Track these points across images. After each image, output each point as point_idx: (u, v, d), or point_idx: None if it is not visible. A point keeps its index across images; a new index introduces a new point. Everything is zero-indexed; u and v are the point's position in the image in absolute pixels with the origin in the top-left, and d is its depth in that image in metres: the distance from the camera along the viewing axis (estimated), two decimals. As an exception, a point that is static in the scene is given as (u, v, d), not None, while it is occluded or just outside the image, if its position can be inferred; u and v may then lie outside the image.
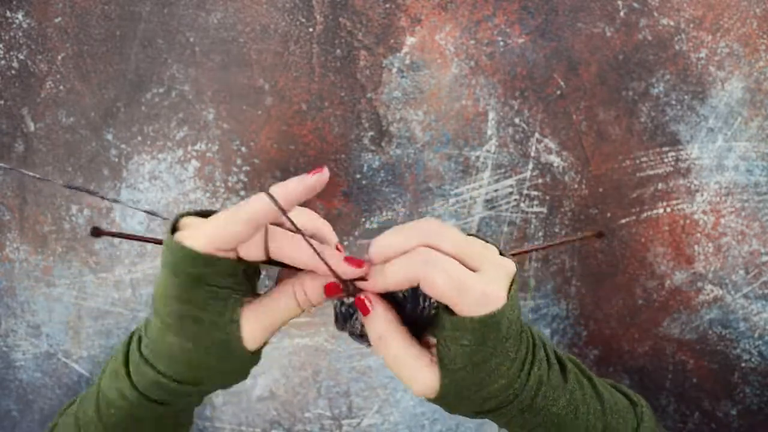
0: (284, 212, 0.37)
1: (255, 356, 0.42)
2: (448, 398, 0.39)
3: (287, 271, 0.41)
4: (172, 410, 0.44)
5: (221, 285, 0.38)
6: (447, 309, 0.37)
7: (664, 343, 0.60)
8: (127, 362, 0.42)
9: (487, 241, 0.40)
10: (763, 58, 0.57)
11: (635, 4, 0.56)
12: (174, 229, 0.39)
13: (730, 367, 0.60)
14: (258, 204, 0.37)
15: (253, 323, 0.40)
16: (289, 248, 0.38)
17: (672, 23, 0.56)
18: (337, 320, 0.42)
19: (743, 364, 0.60)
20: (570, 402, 0.42)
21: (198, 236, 0.37)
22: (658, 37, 0.56)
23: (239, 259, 0.39)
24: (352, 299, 0.40)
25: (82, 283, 0.58)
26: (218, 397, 0.60)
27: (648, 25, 0.56)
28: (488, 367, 0.38)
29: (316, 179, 0.37)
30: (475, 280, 0.36)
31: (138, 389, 0.42)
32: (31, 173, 0.57)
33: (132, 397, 0.42)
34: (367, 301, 0.39)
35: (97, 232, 0.48)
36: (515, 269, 0.39)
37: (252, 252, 0.38)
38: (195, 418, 0.59)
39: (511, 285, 0.38)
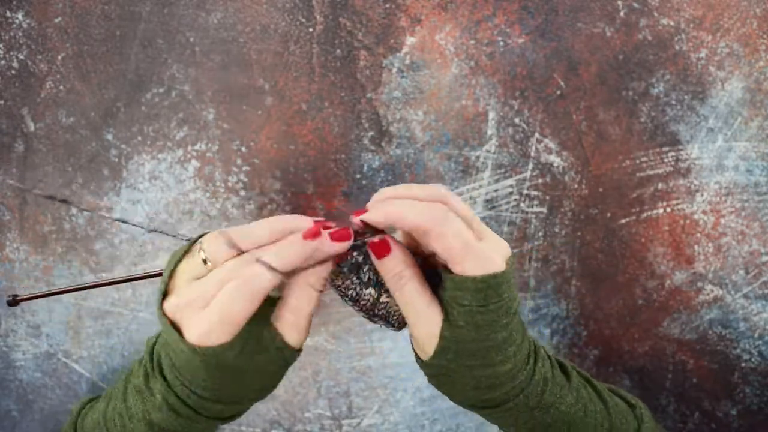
0: (286, 275, 0.37)
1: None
2: (448, 356, 0.39)
3: None
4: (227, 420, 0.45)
5: (252, 335, 0.38)
6: (446, 270, 0.38)
7: (664, 343, 0.60)
8: (186, 403, 0.41)
9: None
10: (763, 58, 0.57)
11: (635, 4, 0.56)
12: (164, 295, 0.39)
13: (730, 367, 0.60)
14: (264, 282, 0.36)
15: (294, 333, 0.40)
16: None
17: (672, 23, 0.56)
18: (337, 276, 0.41)
19: (743, 364, 0.60)
20: (578, 400, 0.43)
21: (211, 331, 0.37)
22: (658, 37, 0.56)
23: None
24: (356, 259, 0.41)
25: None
26: (218, 397, 0.60)
27: (648, 25, 0.56)
28: (494, 338, 0.38)
29: (314, 246, 0.37)
30: (480, 244, 0.38)
31: (214, 418, 0.42)
32: (43, 194, 0.57)
33: (207, 427, 0.42)
34: (389, 242, 0.39)
35: (15, 301, 0.47)
36: (510, 251, 0.40)
37: None
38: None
39: (512, 260, 0.40)
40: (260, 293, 0.37)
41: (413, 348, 0.43)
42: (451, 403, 0.56)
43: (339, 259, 0.40)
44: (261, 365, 0.40)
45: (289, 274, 0.39)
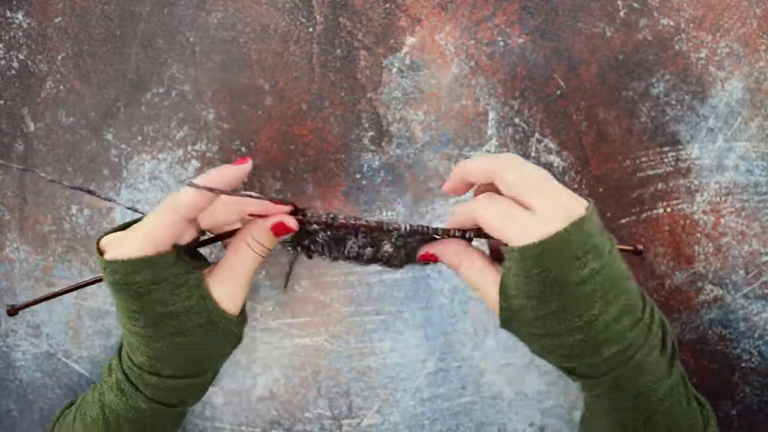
0: (212, 190, 0.38)
1: (241, 318, 0.43)
2: (513, 325, 0.41)
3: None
4: (185, 408, 0.45)
5: (174, 275, 0.39)
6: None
7: (664, 343, 0.60)
8: (128, 378, 0.42)
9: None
10: (763, 58, 0.57)
11: (635, 4, 0.56)
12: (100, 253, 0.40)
13: (730, 367, 0.60)
14: (186, 196, 0.38)
15: (222, 288, 0.41)
16: (222, 208, 0.40)
17: (672, 23, 0.56)
18: (308, 249, 0.44)
19: (743, 364, 0.60)
20: (667, 395, 0.41)
21: (131, 244, 0.38)
22: (658, 37, 0.56)
23: (175, 247, 0.40)
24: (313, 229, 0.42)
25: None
26: (218, 397, 0.60)
27: (648, 25, 0.56)
28: (547, 307, 0.38)
29: (237, 169, 0.38)
30: (522, 216, 0.38)
31: (155, 399, 0.42)
32: (48, 177, 0.57)
33: (148, 408, 0.42)
34: (430, 253, 0.43)
35: (13, 310, 0.49)
36: (581, 214, 0.37)
37: (186, 236, 0.40)
38: (195, 418, 0.59)
39: (572, 228, 0.37)
40: (181, 207, 0.38)
41: None
42: (451, 402, 0.56)
43: (278, 232, 0.41)
44: (183, 313, 0.40)
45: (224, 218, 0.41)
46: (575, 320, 0.38)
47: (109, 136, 0.57)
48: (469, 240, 0.42)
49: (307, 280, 0.58)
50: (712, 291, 0.59)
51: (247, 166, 0.39)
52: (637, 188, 0.58)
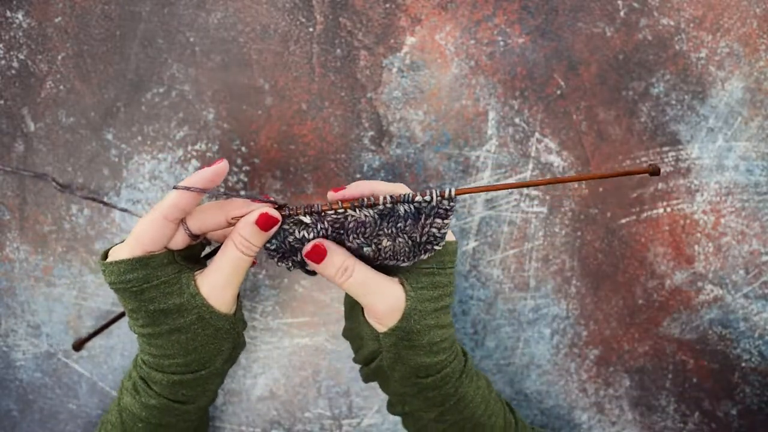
0: (188, 189, 0.40)
1: (235, 318, 0.44)
2: (414, 316, 0.43)
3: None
4: (197, 407, 0.47)
5: (167, 275, 0.41)
6: None
7: (664, 343, 0.60)
8: (141, 377, 0.45)
9: None
10: (763, 58, 0.57)
11: (635, 4, 0.56)
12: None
13: (730, 367, 0.60)
14: (169, 198, 0.40)
15: (210, 286, 0.42)
16: (208, 212, 0.42)
17: (672, 23, 0.56)
18: (282, 257, 0.44)
19: (743, 364, 0.60)
20: (487, 382, 0.50)
21: (122, 248, 0.41)
22: (658, 37, 0.56)
23: (171, 250, 0.42)
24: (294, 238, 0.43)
25: (82, 283, 0.58)
26: (218, 397, 0.60)
27: (648, 25, 0.56)
28: (446, 300, 0.44)
29: (213, 169, 0.41)
30: None
31: (163, 396, 0.45)
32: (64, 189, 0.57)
33: (159, 404, 0.45)
34: (317, 247, 0.42)
35: (78, 346, 0.57)
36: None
37: (178, 240, 0.42)
38: (195, 418, 0.59)
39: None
40: (164, 208, 0.40)
41: (367, 326, 0.45)
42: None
43: (263, 225, 0.41)
44: (176, 310, 0.42)
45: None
46: (449, 317, 0.46)
47: (109, 136, 0.57)
48: (449, 200, 0.42)
49: (307, 280, 0.58)
50: (712, 291, 0.59)
51: (222, 165, 0.41)
52: (637, 188, 0.58)
